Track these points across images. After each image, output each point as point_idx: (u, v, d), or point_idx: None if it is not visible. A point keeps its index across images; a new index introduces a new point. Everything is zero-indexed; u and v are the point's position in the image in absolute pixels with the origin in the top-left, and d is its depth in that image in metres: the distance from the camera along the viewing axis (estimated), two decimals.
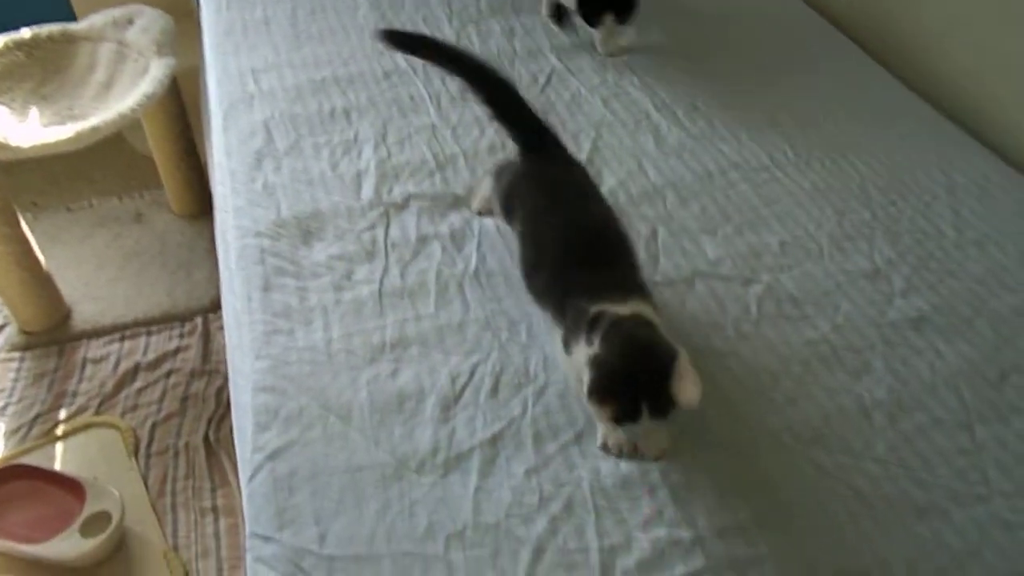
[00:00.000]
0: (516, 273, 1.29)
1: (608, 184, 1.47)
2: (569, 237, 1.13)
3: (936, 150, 1.57)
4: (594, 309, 1.03)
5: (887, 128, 1.63)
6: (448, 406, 1.12)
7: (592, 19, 1.66)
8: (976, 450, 1.09)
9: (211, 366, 1.90)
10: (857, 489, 1.05)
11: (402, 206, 1.42)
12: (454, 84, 1.72)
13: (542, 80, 1.75)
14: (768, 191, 1.48)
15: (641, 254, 1.29)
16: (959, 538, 1.00)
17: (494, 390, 1.14)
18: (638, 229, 1.38)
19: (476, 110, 1.64)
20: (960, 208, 1.45)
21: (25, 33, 1.94)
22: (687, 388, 0.93)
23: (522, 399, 1.13)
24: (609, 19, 1.56)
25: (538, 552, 0.98)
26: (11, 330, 1.93)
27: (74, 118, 1.78)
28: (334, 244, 1.35)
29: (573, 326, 1.06)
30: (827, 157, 1.56)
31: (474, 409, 1.12)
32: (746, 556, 0.98)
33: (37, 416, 1.76)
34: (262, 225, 1.38)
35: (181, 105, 2.16)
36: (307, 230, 1.37)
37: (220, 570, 1.55)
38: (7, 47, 1.90)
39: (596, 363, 0.99)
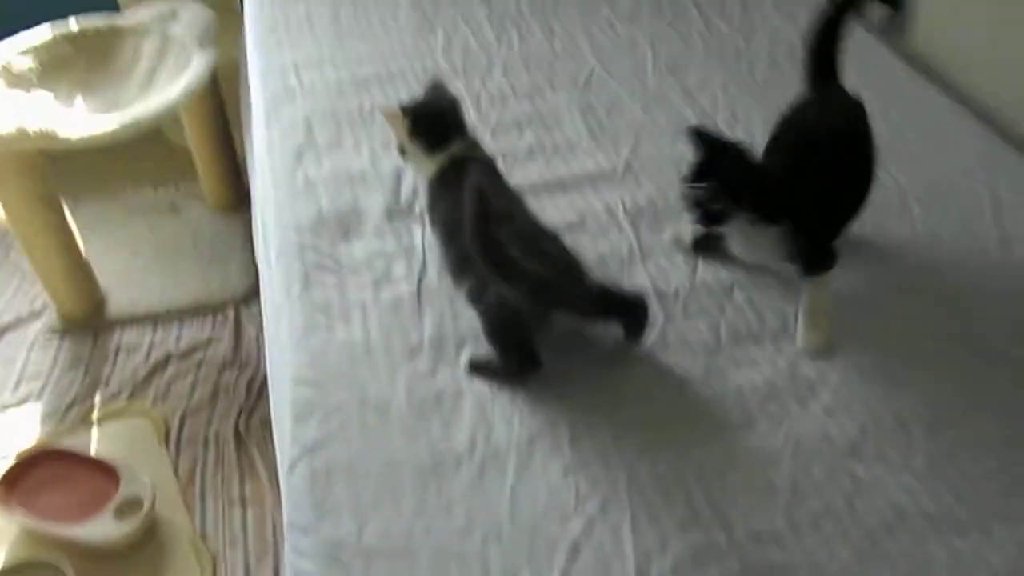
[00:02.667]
0: None
1: (646, 191, 1.48)
2: None
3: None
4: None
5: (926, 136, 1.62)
6: (485, 405, 1.13)
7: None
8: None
9: (242, 357, 1.91)
10: (894, 501, 1.04)
11: None
12: (494, 85, 1.73)
13: (581, 82, 1.76)
14: None
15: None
16: (999, 554, 1.00)
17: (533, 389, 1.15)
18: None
19: (516, 111, 1.65)
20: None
21: (72, 26, 1.97)
22: None
23: None
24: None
25: (573, 552, 0.99)
26: (51, 314, 1.96)
27: (118, 108, 1.81)
28: (373, 241, 1.36)
29: None
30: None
31: (512, 408, 1.13)
32: (781, 562, 0.98)
33: (73, 401, 1.79)
34: (302, 220, 1.40)
35: (220, 99, 2.19)
36: (347, 227, 1.39)
37: (247, 560, 1.56)
38: (55, 40, 1.93)
39: None
